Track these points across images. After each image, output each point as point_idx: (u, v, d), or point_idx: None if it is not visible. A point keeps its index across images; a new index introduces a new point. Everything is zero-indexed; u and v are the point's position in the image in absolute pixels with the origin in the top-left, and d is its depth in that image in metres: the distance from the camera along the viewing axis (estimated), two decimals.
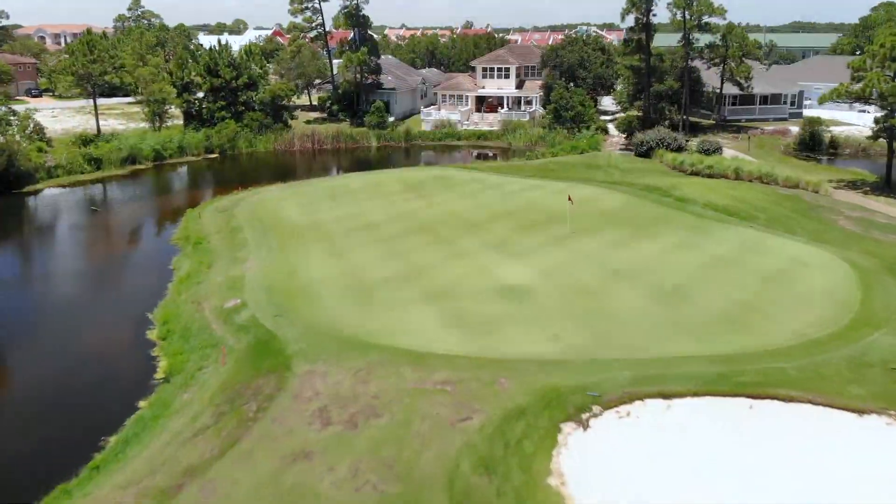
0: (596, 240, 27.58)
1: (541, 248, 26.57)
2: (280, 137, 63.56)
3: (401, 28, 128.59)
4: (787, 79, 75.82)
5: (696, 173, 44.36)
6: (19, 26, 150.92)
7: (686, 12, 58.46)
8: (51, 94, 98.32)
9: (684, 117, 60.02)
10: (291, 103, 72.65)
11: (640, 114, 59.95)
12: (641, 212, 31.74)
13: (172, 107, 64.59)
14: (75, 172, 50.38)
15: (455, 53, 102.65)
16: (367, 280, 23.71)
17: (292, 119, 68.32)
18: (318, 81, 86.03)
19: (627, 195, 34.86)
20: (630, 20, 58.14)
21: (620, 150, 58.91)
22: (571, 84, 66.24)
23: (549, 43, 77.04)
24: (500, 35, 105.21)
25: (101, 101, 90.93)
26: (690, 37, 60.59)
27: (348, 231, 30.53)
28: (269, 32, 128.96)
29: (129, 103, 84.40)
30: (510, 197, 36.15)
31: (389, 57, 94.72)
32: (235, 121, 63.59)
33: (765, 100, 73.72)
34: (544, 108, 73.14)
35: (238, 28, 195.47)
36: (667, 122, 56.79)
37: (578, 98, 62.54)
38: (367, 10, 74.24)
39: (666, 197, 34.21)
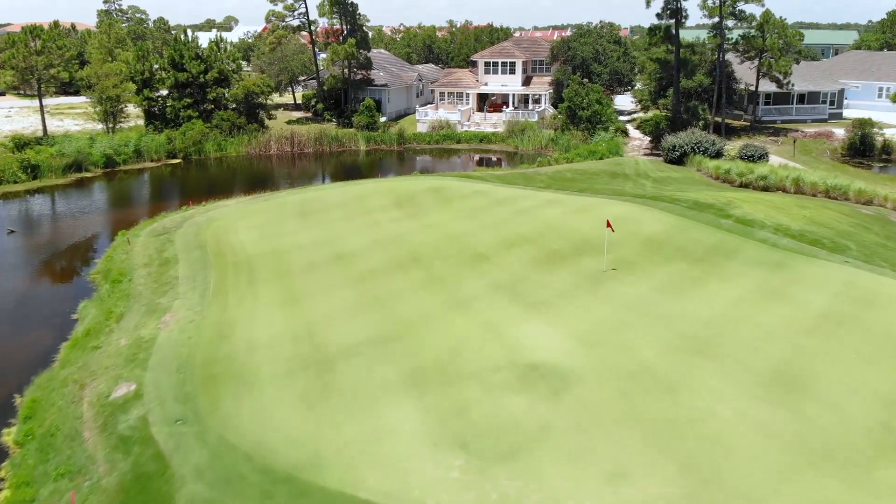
0: (644, 281, 20.69)
1: (571, 295, 19.68)
2: (255, 140, 56.69)
3: (399, 27, 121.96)
4: (826, 75, 69.10)
5: (745, 185, 37.58)
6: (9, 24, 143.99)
7: None
8: (17, 92, 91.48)
9: (718, 119, 53.26)
10: (270, 102, 65.96)
11: (666, 114, 53.15)
12: (696, 239, 24.86)
13: (131, 105, 57.75)
14: (6, 182, 43.50)
15: (454, 48, 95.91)
16: (329, 346, 16.83)
17: (270, 119, 61.47)
18: (302, 78, 79.34)
19: (673, 215, 27.99)
20: (657, 5, 51.47)
21: (645, 154, 52.10)
22: (586, 80, 59.40)
23: (556, 38, 70.22)
24: (505, 27, 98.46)
25: (62, 99, 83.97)
26: (724, 24, 53.90)
27: (314, 265, 23.65)
28: (259, 29, 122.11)
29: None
30: (523, 216, 29.29)
31: (382, 51, 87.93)
32: (203, 121, 56.76)
33: (801, 98, 67.06)
34: (555, 107, 66.47)
35: (229, 25, 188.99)
36: (700, 124, 49.94)
37: (595, 95, 55.74)
38: (360, 3, 67.45)
39: (723, 218, 27.33)
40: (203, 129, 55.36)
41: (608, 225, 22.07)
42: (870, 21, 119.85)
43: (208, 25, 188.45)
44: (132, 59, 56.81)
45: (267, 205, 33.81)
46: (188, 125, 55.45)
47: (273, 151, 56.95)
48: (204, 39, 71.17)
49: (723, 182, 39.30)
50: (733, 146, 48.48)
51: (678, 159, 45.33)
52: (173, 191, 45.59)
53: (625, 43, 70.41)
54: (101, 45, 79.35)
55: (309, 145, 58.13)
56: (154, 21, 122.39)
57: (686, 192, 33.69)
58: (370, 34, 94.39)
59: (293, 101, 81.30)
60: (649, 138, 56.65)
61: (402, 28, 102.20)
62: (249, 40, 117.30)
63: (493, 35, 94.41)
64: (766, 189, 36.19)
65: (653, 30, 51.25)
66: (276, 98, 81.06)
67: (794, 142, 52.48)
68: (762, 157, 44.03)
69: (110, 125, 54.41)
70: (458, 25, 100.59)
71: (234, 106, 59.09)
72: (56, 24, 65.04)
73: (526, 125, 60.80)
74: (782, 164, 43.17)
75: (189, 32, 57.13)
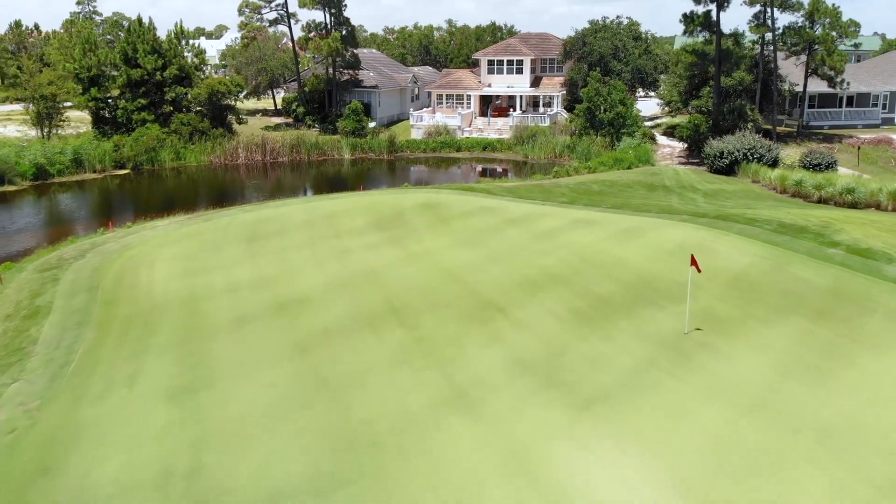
0: (754, 353, 13.25)
1: (647, 382, 12.21)
2: (219, 147, 49.46)
3: (393, 28, 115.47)
4: (875, 76, 62.04)
5: (824, 200, 30.33)
6: None
7: None
8: None
9: (762, 122, 46.17)
10: (244, 106, 59.05)
11: (704, 116, 45.99)
12: (803, 278, 17.45)
13: (80, 108, 50.66)
14: None
15: (454, 49, 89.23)
16: (226, 499, 9.34)
17: (240, 123, 54.30)
18: (283, 81, 72.42)
19: (758, 242, 20.59)
20: None
21: (681, 163, 44.89)
22: (607, 77, 52.30)
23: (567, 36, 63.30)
24: (510, 26, 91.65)
25: (16, 106, 76.90)
26: (768, 13, 46.98)
27: (243, 319, 16.20)
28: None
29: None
30: (547, 241, 21.91)
31: (373, 51, 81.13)
32: (160, 125, 49.56)
33: (849, 101, 60.06)
34: (568, 110, 59.45)
35: (220, 34, 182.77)
36: (750, 126, 42.65)
37: (618, 94, 48.58)
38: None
39: (828, 246, 19.93)
40: (159, 135, 48.17)
41: (693, 263, 14.57)
42: (875, 33, 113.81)
43: (197, 33, 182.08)
44: (77, 54, 49.66)
45: (207, 226, 26.39)
46: (141, 130, 48.25)
47: (241, 160, 49.75)
48: (207, 45, 64.43)
49: (792, 196, 32.03)
50: (788, 154, 41.32)
51: (727, 168, 38.13)
52: (105, 208, 38.24)
53: (646, 39, 63.51)
54: (62, 47, 72.33)
55: (284, 153, 50.94)
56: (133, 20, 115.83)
57: (757, 210, 26.34)
58: (363, 35, 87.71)
59: (273, 107, 74.38)
60: (682, 145, 49.54)
61: (396, 29, 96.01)
62: (236, 46, 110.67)
63: (497, 34, 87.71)
64: (854, 206, 28.92)
65: (689, 17, 44.20)
66: (254, 103, 74.24)
67: (858, 149, 45.26)
68: (829, 165, 36.84)
69: (46, 130, 47.13)
70: (458, 26, 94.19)
71: (197, 108, 51.99)
72: (18, 23, 58.37)
73: (536, 130, 53.66)
74: (854, 176, 35.95)
75: (146, 20, 50.21)
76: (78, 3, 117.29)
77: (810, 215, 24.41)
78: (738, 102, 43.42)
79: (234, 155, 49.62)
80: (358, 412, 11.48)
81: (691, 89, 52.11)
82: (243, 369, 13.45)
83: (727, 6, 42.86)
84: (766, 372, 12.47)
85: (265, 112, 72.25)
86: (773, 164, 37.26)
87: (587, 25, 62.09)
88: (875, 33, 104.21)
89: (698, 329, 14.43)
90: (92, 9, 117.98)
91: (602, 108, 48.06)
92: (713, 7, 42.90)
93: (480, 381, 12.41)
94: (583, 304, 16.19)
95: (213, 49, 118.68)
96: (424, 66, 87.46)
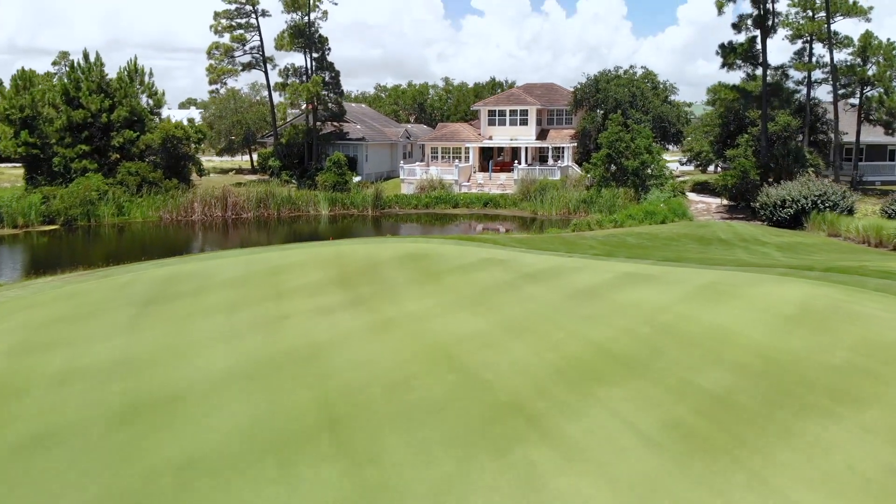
0: None
1: None
2: (171, 202, 42.84)
3: (385, 85, 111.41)
4: None
5: None
6: None
7: (810, 11, 39.41)
8: None
9: (823, 168, 39.81)
10: (211, 162, 52.91)
11: (749, 161, 39.63)
12: None
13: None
14: None
15: (451, 107, 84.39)
16: None
17: (201, 175, 47.89)
18: (260, 137, 66.73)
19: None
20: (736, 9, 39.31)
21: (723, 218, 38.25)
22: (629, 121, 46.35)
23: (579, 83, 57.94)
24: (510, 81, 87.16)
25: None
26: (812, 48, 41.37)
27: (44, 437, 8.73)
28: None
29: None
30: (592, 303, 14.70)
31: (362, 105, 76.03)
32: (105, 175, 43.04)
33: (892, 154, 54.27)
34: (580, 164, 53.49)
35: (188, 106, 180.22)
36: (811, 171, 36.14)
37: (644, 140, 42.39)
38: (328, 34, 55.33)
39: None
40: (100, 186, 41.55)
41: None
42: None
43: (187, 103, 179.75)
44: (9, 91, 43.68)
45: (98, 285, 19.11)
46: (80, 181, 41.69)
47: (197, 216, 43.02)
48: (182, 115, 59.01)
49: (894, 250, 25.11)
50: (869, 204, 34.71)
51: (791, 220, 31.36)
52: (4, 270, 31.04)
53: (666, 88, 58.19)
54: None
55: (249, 208, 44.27)
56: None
57: (876, 263, 19.28)
58: (352, 95, 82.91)
59: (250, 166, 68.45)
60: (718, 201, 43.09)
61: (388, 87, 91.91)
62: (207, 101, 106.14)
63: (496, 90, 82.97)
64: None
65: (727, 48, 38.43)
66: (228, 162, 68.40)
67: None
68: None
69: None
70: (456, 84, 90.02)
71: (151, 157, 45.70)
72: None
73: (546, 184, 47.26)
74: None
75: (93, 55, 44.35)
76: (54, 65, 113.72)
77: None
78: (794, 144, 37.12)
79: (188, 210, 42.94)
80: None
81: (724, 138, 46.07)
82: None
83: (773, 33, 37.16)
84: None
85: (240, 171, 66.28)
86: (849, 213, 30.59)
87: (597, 73, 56.80)
88: None
89: None
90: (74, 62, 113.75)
91: (624, 154, 41.77)
92: (757, 33, 37.17)
93: None
94: (685, 412, 8.83)
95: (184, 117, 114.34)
96: (419, 125, 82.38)
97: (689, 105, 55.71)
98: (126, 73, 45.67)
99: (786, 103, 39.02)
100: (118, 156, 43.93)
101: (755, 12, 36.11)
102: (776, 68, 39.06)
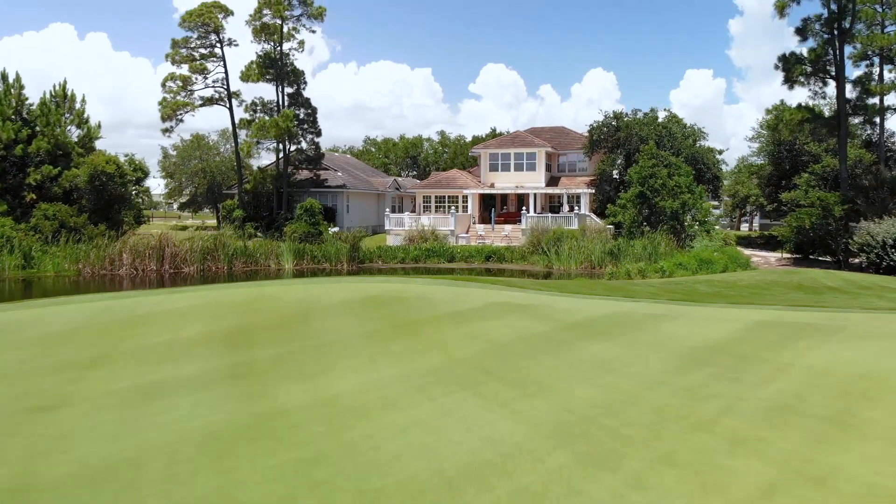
0: None
1: None
2: (96, 252, 35.05)
3: (374, 138, 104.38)
4: None
5: None
6: None
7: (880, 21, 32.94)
8: None
9: None
10: (178, 220, 45.57)
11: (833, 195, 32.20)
12: None
13: None
14: None
15: (446, 160, 77.87)
16: None
17: (139, 223, 40.33)
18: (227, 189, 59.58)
19: None
20: (803, 10, 33.79)
21: (783, 265, 30.62)
22: (661, 152, 39.14)
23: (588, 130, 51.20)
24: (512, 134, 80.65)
25: None
26: (882, 68, 34.75)
27: None
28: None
29: None
30: (743, 373, 6.58)
31: (346, 156, 69.46)
32: (17, 219, 35.41)
33: None
34: (599, 214, 46.20)
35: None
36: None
37: (684, 178, 35.09)
38: (304, 67, 48.67)
39: None
40: (7, 232, 33.84)
41: None
42: None
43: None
44: None
45: None
46: None
47: (124, 270, 35.07)
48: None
49: None
50: None
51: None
52: None
53: (695, 131, 51.41)
54: None
55: (192, 261, 36.39)
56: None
57: None
58: (338, 149, 76.63)
59: (216, 224, 61.02)
60: (777, 255, 35.46)
61: (378, 140, 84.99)
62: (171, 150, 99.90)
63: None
64: None
65: (790, 58, 31.54)
66: (189, 217, 61.10)
67: None
68: None
69: None
70: (452, 137, 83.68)
71: (76, 198, 38.18)
72: None
73: (562, 234, 39.66)
74: None
75: (12, 75, 36.96)
76: None
77: None
78: (891, 175, 29.72)
79: (116, 262, 35.05)
80: None
81: (777, 179, 38.90)
82: None
83: (852, 38, 30.34)
84: None
85: (204, 228, 58.77)
86: None
87: (615, 111, 50.14)
88: None
89: None
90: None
91: (660, 193, 34.35)
92: (832, 36, 30.34)
93: None
94: None
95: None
96: (411, 179, 75.64)
97: (721, 153, 48.91)
98: (52, 98, 38.47)
99: (867, 123, 32.12)
100: (34, 196, 36.51)
101: (825, 14, 29.35)
102: (855, 81, 32.15)
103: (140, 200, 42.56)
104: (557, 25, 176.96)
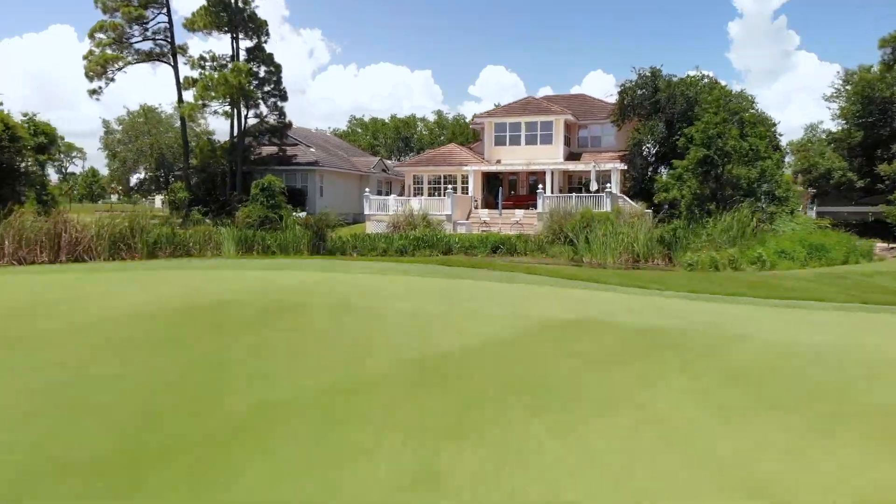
0: None
1: None
2: None
3: (361, 117, 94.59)
4: None
5: None
6: None
7: None
8: None
9: None
10: (108, 194, 36.77)
11: None
12: None
13: None
14: None
15: (444, 142, 69.30)
16: None
17: (44, 202, 31.64)
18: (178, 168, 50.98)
19: None
20: None
21: None
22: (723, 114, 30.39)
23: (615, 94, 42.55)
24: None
25: None
26: None
27: None
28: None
29: None
30: None
31: (325, 131, 60.85)
32: None
33: None
34: (632, 196, 37.78)
35: None
36: None
37: (760, 141, 26.44)
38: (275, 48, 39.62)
39: None
40: None
41: None
42: None
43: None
44: None
45: None
46: None
47: (6, 259, 26.52)
48: None
49: None
50: None
51: None
52: None
53: (745, 98, 42.80)
54: None
55: (100, 250, 27.77)
56: None
57: None
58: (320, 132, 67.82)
59: (168, 211, 52.42)
60: (885, 244, 26.96)
61: (366, 119, 75.74)
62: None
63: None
64: None
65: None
66: (141, 205, 52.67)
67: None
68: None
69: None
70: (451, 118, 74.79)
71: None
72: None
73: (591, 217, 31.07)
74: None
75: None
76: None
77: None
78: None
79: None
80: None
81: (868, 148, 30.36)
82: None
83: None
84: None
85: (153, 217, 50.08)
86: None
87: (651, 68, 41.45)
88: None
89: None
90: None
91: (732, 158, 25.71)
92: None
93: None
94: None
95: None
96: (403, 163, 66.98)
97: (774, 124, 40.35)
98: None
99: None
100: None
101: None
102: None
103: (45, 175, 33.91)
104: (557, 28, 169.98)
